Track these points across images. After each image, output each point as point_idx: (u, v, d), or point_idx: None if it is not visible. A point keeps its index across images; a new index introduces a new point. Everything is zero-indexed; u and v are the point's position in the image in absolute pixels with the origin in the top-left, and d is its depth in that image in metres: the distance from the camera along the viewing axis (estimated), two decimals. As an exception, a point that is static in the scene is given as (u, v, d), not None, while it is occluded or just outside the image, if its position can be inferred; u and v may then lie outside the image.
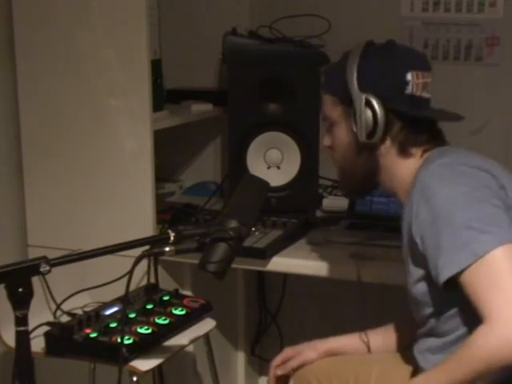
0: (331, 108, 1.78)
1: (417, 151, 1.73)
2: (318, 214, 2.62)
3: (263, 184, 1.76)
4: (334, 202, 2.62)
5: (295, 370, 1.96)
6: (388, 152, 1.74)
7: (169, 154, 2.88)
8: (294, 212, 2.52)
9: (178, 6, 2.89)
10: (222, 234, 1.64)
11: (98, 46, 2.34)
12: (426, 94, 1.75)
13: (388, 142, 1.73)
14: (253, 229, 2.19)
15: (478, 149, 2.56)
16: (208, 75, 2.94)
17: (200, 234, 1.65)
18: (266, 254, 2.25)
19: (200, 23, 2.90)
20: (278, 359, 1.98)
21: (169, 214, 2.54)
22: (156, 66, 2.45)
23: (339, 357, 1.96)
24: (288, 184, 2.59)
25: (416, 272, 1.65)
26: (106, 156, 2.39)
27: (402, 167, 1.74)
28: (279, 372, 1.97)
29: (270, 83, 2.53)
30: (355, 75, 1.70)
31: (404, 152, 1.73)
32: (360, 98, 1.70)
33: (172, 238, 1.58)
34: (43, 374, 2.15)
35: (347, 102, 1.72)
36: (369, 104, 1.69)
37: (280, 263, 2.28)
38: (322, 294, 2.89)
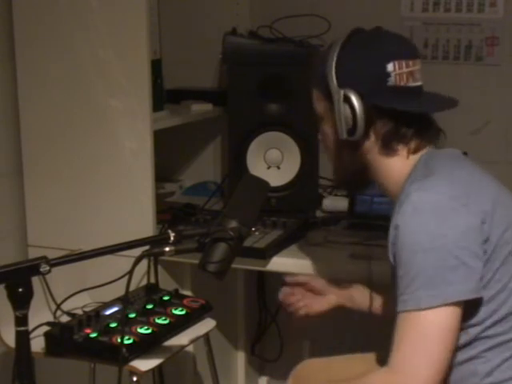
0: (317, 103, 1.73)
1: (403, 148, 1.65)
2: (318, 214, 2.62)
3: (263, 184, 1.76)
4: (334, 202, 2.62)
5: (284, 283, 2.00)
6: (373, 148, 1.66)
7: (169, 153, 2.88)
8: (293, 212, 2.52)
9: (177, 6, 2.89)
10: (222, 234, 1.64)
11: (98, 46, 2.34)
12: (413, 83, 1.64)
13: (372, 138, 1.65)
14: (253, 229, 2.19)
15: (477, 149, 2.59)
16: (208, 75, 2.94)
17: (200, 234, 1.65)
18: (265, 254, 2.25)
19: (200, 23, 2.90)
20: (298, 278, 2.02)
21: (169, 214, 2.54)
22: (156, 66, 2.45)
23: (339, 357, 1.96)
24: (288, 184, 2.59)
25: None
26: (105, 156, 2.39)
27: (387, 164, 1.66)
28: (287, 279, 2.00)
29: (269, 83, 2.53)
30: (333, 69, 1.63)
31: (388, 148, 1.65)
32: (338, 93, 1.62)
33: (172, 238, 1.58)
34: (43, 374, 2.15)
35: (329, 97, 1.66)
36: (347, 100, 1.61)
37: (280, 263, 2.28)
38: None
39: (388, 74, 1.62)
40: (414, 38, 2.71)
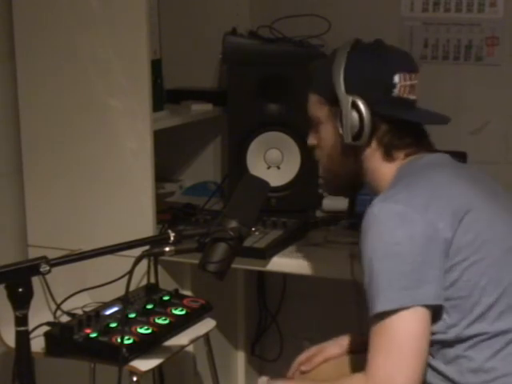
0: (318, 107, 1.76)
1: (400, 155, 1.71)
2: (318, 214, 2.62)
3: (263, 184, 1.76)
4: (334, 202, 2.62)
5: (302, 372, 1.96)
6: (373, 155, 1.72)
7: (169, 154, 2.88)
8: (293, 212, 2.52)
9: (177, 6, 2.89)
10: (222, 234, 1.64)
11: (98, 46, 2.34)
12: (412, 96, 1.72)
13: (374, 145, 1.71)
14: (253, 229, 2.19)
15: (477, 149, 2.59)
16: (208, 75, 2.94)
17: (200, 233, 1.66)
18: (265, 254, 2.25)
19: (200, 23, 2.90)
20: (302, 357, 1.98)
21: (169, 214, 2.54)
22: (156, 66, 2.45)
23: (345, 358, 1.95)
24: (288, 184, 2.59)
25: None
26: (106, 156, 2.39)
27: (385, 170, 1.71)
28: (304, 368, 1.96)
29: (269, 83, 2.53)
30: (342, 76, 1.68)
31: (388, 155, 1.71)
32: (346, 99, 1.67)
33: (172, 238, 1.58)
34: (43, 374, 2.16)
35: (334, 102, 1.70)
36: (355, 106, 1.67)
37: (280, 263, 2.28)
38: (322, 294, 2.89)
39: (394, 85, 1.69)
40: (413, 38, 2.71)
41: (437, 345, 1.57)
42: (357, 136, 1.68)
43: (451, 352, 1.57)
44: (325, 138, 1.77)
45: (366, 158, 1.73)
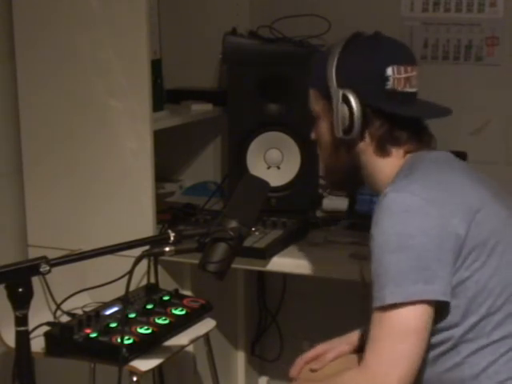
0: (315, 102, 1.75)
1: (397, 150, 1.68)
2: (318, 214, 2.62)
3: (263, 184, 1.76)
4: (334, 202, 2.62)
5: (312, 370, 1.95)
6: (367, 149, 1.69)
7: (169, 154, 2.88)
8: (294, 212, 2.52)
9: (177, 6, 2.89)
10: (222, 234, 1.64)
11: (98, 46, 2.34)
12: (409, 89, 1.68)
13: (367, 139, 1.68)
14: (253, 229, 2.19)
15: (478, 149, 2.59)
16: (208, 75, 2.94)
17: (200, 233, 1.65)
18: (265, 254, 2.25)
19: (200, 23, 2.90)
20: (310, 354, 1.97)
21: (169, 214, 2.54)
22: (156, 66, 2.45)
23: (353, 356, 1.95)
24: (288, 184, 2.59)
25: None
26: (106, 156, 2.39)
27: (381, 166, 1.69)
28: (315, 366, 1.94)
29: (269, 83, 2.53)
30: (334, 70, 1.67)
31: (382, 150, 1.68)
32: (337, 93, 1.66)
33: (172, 238, 1.58)
34: (43, 374, 2.16)
35: (328, 96, 1.69)
36: (346, 100, 1.65)
37: (280, 263, 2.28)
38: (322, 293, 2.89)
39: (387, 78, 1.65)
40: (413, 38, 2.71)
41: (439, 348, 1.56)
42: (348, 130, 1.66)
43: (452, 358, 1.56)
44: (321, 132, 1.76)
45: (360, 152, 1.70)
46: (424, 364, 1.56)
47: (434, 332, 1.54)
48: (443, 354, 1.57)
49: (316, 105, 1.75)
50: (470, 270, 1.53)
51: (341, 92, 1.65)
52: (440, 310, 1.53)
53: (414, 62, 1.72)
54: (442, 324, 1.55)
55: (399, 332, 1.50)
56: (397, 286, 1.49)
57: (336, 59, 1.67)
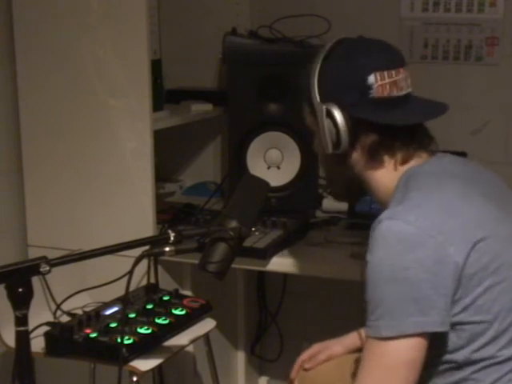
0: (307, 117, 1.70)
1: (392, 159, 1.61)
2: (318, 214, 2.62)
3: (263, 184, 1.76)
4: (334, 202, 2.62)
5: (305, 370, 1.96)
6: (360, 161, 1.63)
7: (169, 153, 2.88)
8: (293, 212, 2.52)
9: (178, 6, 2.89)
10: (222, 234, 1.64)
11: (98, 46, 2.34)
12: (397, 93, 1.60)
13: (359, 151, 1.62)
14: (253, 229, 2.19)
15: (477, 149, 2.59)
16: (208, 75, 2.94)
17: (200, 233, 1.66)
18: (266, 254, 2.25)
19: (200, 23, 2.90)
20: (305, 354, 1.97)
21: (169, 214, 2.54)
22: (156, 66, 2.45)
23: (347, 357, 1.95)
24: (288, 184, 2.59)
25: None
26: (106, 156, 2.39)
27: (378, 177, 1.64)
28: (307, 366, 1.94)
29: (269, 83, 2.53)
30: (316, 84, 1.61)
31: (375, 160, 1.62)
32: (321, 108, 1.60)
33: (172, 238, 1.58)
34: (43, 374, 2.16)
35: (314, 111, 1.63)
36: (329, 115, 1.59)
37: (280, 263, 2.28)
38: (322, 293, 2.89)
39: (369, 87, 1.58)
40: (413, 38, 2.71)
41: (444, 365, 1.54)
42: (336, 145, 1.61)
43: (458, 374, 1.53)
44: (316, 146, 1.72)
45: (354, 165, 1.65)
46: (430, 374, 1.54)
47: (438, 354, 1.52)
48: (447, 370, 1.54)
49: (308, 119, 1.70)
50: (472, 296, 1.48)
51: (324, 107, 1.60)
52: (442, 336, 1.49)
53: (401, 63, 1.64)
54: (446, 347, 1.51)
55: (391, 364, 1.46)
56: (392, 319, 1.45)
57: (317, 72, 1.62)
